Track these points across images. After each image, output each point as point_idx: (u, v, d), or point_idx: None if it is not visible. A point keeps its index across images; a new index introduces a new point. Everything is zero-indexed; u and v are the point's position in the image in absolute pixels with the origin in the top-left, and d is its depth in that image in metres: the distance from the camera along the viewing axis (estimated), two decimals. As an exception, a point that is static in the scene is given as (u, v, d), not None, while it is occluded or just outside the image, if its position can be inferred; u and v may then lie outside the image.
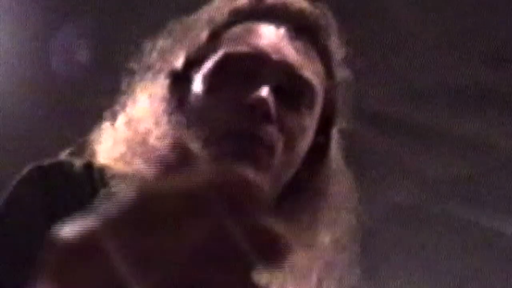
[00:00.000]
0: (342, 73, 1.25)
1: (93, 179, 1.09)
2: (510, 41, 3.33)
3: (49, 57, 3.45)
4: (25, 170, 1.10)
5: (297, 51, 1.20)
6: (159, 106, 1.20)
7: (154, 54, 1.26)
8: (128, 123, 1.19)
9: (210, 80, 1.19)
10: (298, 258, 1.16)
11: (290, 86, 1.18)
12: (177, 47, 1.25)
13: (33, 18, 3.33)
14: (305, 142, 1.20)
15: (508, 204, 4.08)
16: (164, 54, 1.26)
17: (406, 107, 3.60)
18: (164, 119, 1.18)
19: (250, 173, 1.02)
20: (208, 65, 1.21)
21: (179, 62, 1.24)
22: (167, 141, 1.14)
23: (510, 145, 3.80)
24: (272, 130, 1.15)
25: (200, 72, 1.21)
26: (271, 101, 1.15)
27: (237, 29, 1.22)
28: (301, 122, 1.19)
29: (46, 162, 1.11)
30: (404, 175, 3.91)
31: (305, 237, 1.17)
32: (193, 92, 1.21)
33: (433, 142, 3.79)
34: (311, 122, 1.20)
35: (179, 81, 1.24)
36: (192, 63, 1.23)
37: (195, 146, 1.10)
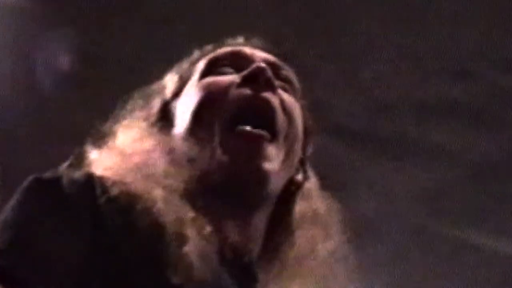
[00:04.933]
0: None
1: (94, 190, 1.07)
2: (472, 55, 3.37)
3: (33, 69, 3.42)
4: (24, 184, 1.07)
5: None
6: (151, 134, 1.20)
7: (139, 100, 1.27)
8: (121, 154, 1.18)
9: (203, 85, 1.20)
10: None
11: (276, 76, 1.20)
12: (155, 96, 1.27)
13: (17, 30, 3.32)
14: (299, 139, 1.20)
15: (473, 215, 4.12)
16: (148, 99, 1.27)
17: (372, 120, 3.63)
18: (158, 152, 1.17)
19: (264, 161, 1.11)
20: (194, 77, 1.23)
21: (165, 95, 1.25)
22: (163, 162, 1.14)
23: (473, 157, 3.83)
24: (275, 100, 1.16)
25: (189, 85, 1.23)
26: (269, 69, 1.17)
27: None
28: (295, 103, 1.20)
29: (45, 175, 1.09)
30: (370, 188, 3.94)
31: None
32: (184, 105, 1.20)
33: (398, 155, 3.82)
34: (299, 119, 1.21)
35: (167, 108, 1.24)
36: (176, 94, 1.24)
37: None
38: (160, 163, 1.14)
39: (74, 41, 3.29)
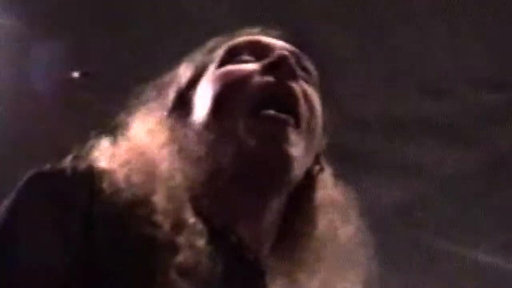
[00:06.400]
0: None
1: (92, 189, 1.04)
2: (445, 74, 3.45)
3: (29, 75, 3.42)
4: (26, 177, 1.05)
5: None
6: (159, 139, 1.15)
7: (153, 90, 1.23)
8: (131, 149, 1.13)
9: (223, 73, 1.16)
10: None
11: (297, 65, 1.17)
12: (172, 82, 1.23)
13: (13, 37, 3.32)
14: (319, 129, 1.19)
15: (446, 226, 4.19)
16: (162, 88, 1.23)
17: (348, 135, 3.66)
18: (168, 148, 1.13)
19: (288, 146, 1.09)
20: (218, 56, 1.19)
21: (181, 82, 1.22)
22: (167, 153, 1.11)
23: (446, 171, 3.91)
24: (297, 88, 1.14)
25: (208, 72, 1.19)
26: (292, 58, 1.15)
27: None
28: (315, 94, 1.18)
29: (47, 168, 1.07)
30: None
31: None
32: (204, 93, 1.16)
33: (373, 169, 3.88)
34: (319, 110, 1.19)
35: (184, 98, 1.20)
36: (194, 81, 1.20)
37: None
38: (169, 161, 1.10)
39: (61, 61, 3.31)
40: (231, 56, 1.19)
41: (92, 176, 1.06)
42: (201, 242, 1.03)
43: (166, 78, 1.25)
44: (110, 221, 1.02)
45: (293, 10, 3.09)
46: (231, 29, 1.26)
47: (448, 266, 4.42)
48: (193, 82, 1.20)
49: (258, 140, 1.10)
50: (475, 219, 4.14)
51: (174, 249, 1.01)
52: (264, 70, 1.15)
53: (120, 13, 3.12)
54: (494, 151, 3.84)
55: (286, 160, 1.11)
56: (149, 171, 1.09)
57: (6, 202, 1.04)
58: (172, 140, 1.14)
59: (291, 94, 1.14)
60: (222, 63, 1.19)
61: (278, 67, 1.14)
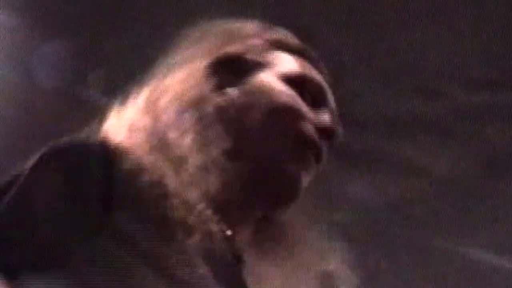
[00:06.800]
0: None
1: (110, 155, 1.04)
2: (438, 74, 3.49)
3: (33, 71, 3.40)
4: (42, 151, 1.04)
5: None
6: (189, 96, 1.11)
7: (186, 44, 1.16)
8: (148, 109, 1.11)
9: (281, 89, 1.14)
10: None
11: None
12: (216, 39, 1.17)
13: (18, 33, 3.32)
14: None
15: (441, 223, 4.21)
16: (199, 42, 1.16)
17: (344, 134, 3.68)
18: (190, 114, 1.10)
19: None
20: (284, 70, 1.16)
21: (227, 48, 1.15)
22: (189, 140, 1.08)
23: (440, 168, 3.94)
24: (312, 171, 1.17)
25: (271, 72, 1.16)
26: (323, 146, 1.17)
27: (289, 56, 1.19)
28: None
29: (62, 142, 1.05)
30: (341, 199, 3.99)
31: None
32: (248, 91, 1.14)
33: (369, 167, 3.91)
34: None
35: (225, 68, 1.13)
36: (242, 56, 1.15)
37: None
38: (188, 148, 1.07)
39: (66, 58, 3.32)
40: (292, 80, 1.17)
41: (109, 151, 1.05)
42: (213, 227, 1.06)
43: (228, 26, 1.18)
44: (128, 197, 1.03)
45: (291, 9, 3.12)
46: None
47: (443, 263, 4.43)
48: (258, 62, 1.16)
49: (289, 167, 1.13)
50: (469, 216, 4.17)
51: (189, 230, 1.03)
52: (318, 130, 1.17)
53: (125, 11, 3.16)
54: (488, 149, 3.87)
55: (297, 196, 1.16)
56: (167, 154, 1.07)
57: (23, 178, 1.02)
58: (199, 120, 1.10)
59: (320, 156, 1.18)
60: (286, 79, 1.17)
61: (328, 137, 1.19)
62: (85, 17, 3.26)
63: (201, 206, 1.06)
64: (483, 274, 4.50)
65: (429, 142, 3.82)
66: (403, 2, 3.17)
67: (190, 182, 1.06)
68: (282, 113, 1.14)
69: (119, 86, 1.14)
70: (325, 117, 1.18)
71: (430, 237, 4.29)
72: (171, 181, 1.05)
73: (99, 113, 1.12)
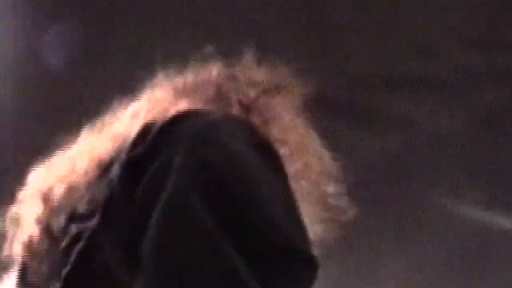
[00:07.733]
0: None
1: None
2: (436, 35, 3.58)
3: (40, 55, 3.41)
4: (185, 136, 0.92)
5: None
6: None
7: None
8: None
9: None
10: None
11: None
12: None
13: (23, 17, 3.37)
14: None
15: (433, 177, 4.30)
16: None
17: (345, 91, 3.81)
18: None
19: None
20: None
21: None
22: None
23: (437, 125, 4.03)
24: None
25: None
26: None
27: None
28: None
29: (212, 117, 0.96)
30: (342, 151, 4.06)
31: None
32: None
33: (369, 122, 4.00)
34: None
35: None
36: None
37: None
38: None
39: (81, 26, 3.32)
40: None
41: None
42: None
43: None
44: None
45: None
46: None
47: (435, 216, 4.48)
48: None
49: None
50: (463, 172, 4.25)
51: None
52: None
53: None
54: (483, 107, 3.95)
55: None
56: None
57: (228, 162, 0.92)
58: None
59: None
60: None
61: None
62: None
63: None
64: (480, 230, 4.55)
65: (426, 100, 3.91)
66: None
67: None
68: None
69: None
70: None
71: (429, 193, 4.36)
72: None
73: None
